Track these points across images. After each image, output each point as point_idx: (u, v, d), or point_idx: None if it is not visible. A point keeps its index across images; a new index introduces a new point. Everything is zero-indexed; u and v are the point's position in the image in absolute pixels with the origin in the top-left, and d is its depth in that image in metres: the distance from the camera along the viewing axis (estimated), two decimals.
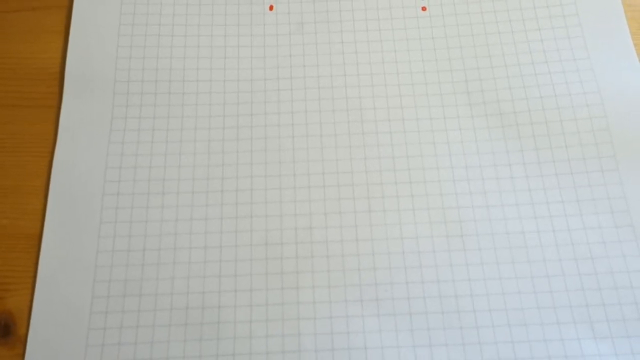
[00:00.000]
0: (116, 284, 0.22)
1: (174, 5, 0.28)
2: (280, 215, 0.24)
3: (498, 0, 0.28)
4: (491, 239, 0.23)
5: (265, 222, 0.23)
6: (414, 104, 0.26)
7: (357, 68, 0.26)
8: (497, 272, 0.22)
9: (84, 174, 0.24)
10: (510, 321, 0.22)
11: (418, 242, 0.23)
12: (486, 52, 0.27)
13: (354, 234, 0.23)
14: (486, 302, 0.22)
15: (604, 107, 0.25)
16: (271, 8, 0.28)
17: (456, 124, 0.25)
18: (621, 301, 0.22)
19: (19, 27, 0.27)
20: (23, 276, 0.23)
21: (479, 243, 0.23)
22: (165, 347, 0.21)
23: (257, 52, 0.27)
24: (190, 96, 0.26)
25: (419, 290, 0.22)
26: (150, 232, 0.23)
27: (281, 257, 0.23)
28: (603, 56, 0.26)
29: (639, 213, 0.23)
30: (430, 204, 0.24)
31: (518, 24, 0.27)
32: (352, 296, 0.22)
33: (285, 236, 0.23)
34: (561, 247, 0.23)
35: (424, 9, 0.28)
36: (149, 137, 0.25)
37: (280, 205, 0.24)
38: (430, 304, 0.22)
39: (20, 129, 0.25)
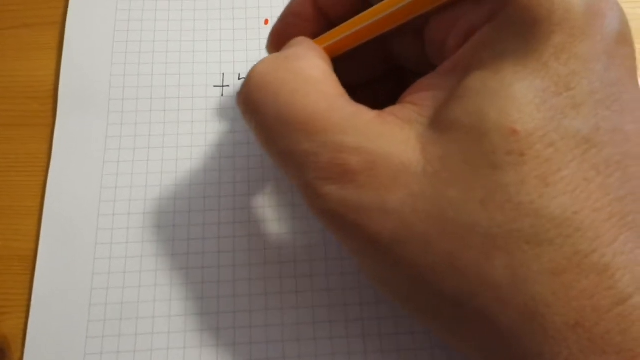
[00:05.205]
0: (112, 306, 0.22)
1: (168, 20, 0.27)
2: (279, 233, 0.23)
3: None
4: None
5: (264, 240, 0.23)
6: None
7: None
8: None
9: (79, 194, 0.24)
10: None
11: None
12: None
13: None
14: None
15: None
16: (266, 22, 0.28)
17: None
18: None
19: (11, 44, 0.27)
20: (17, 299, 0.22)
21: None
22: None
23: None
24: (185, 113, 0.26)
25: None
26: (146, 252, 0.23)
27: (280, 277, 0.23)
28: None
29: None
30: None
31: None
32: None
33: (283, 254, 0.23)
34: None
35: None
36: (144, 155, 0.25)
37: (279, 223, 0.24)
38: None
39: (13, 149, 0.25)
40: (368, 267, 0.17)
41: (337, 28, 0.19)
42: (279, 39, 0.20)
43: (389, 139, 0.16)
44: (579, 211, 0.14)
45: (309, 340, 0.22)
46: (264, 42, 0.27)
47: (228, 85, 0.26)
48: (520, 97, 0.14)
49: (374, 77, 0.22)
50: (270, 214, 0.24)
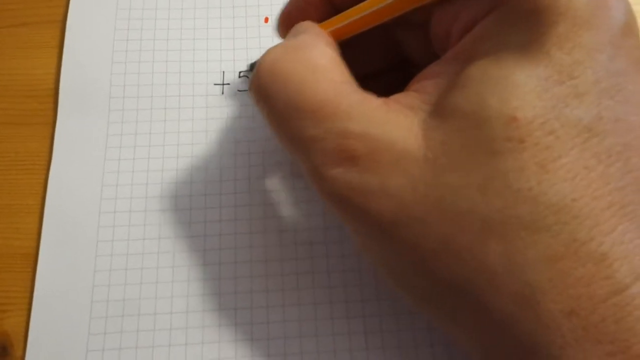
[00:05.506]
0: (114, 303, 0.22)
1: (168, 19, 0.27)
2: (280, 231, 0.23)
3: None
4: None
5: (265, 237, 0.23)
6: None
7: None
8: None
9: (80, 192, 0.24)
10: None
11: None
12: None
13: None
14: None
15: None
16: (266, 20, 0.28)
17: None
18: None
19: (11, 42, 0.27)
20: (19, 297, 0.22)
21: None
22: None
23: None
24: (186, 111, 0.26)
25: None
26: (148, 249, 0.23)
27: (282, 274, 0.23)
28: None
29: None
30: None
31: None
32: None
33: (285, 252, 0.23)
34: None
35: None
36: (145, 153, 0.25)
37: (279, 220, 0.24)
38: None
39: (13, 147, 0.25)
40: (375, 254, 0.18)
41: (343, 13, 0.19)
42: (289, 22, 0.21)
43: (393, 125, 0.16)
44: (578, 198, 0.14)
45: (311, 337, 0.22)
46: (264, 40, 0.27)
47: (228, 84, 0.26)
48: (521, 85, 0.14)
49: (382, 68, 0.22)
50: (272, 210, 0.24)
